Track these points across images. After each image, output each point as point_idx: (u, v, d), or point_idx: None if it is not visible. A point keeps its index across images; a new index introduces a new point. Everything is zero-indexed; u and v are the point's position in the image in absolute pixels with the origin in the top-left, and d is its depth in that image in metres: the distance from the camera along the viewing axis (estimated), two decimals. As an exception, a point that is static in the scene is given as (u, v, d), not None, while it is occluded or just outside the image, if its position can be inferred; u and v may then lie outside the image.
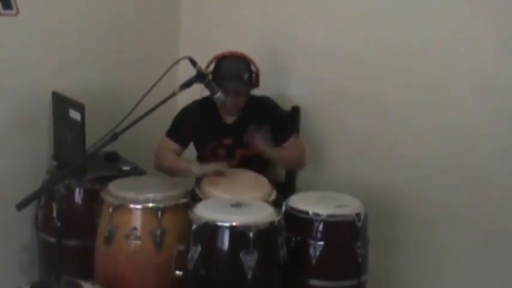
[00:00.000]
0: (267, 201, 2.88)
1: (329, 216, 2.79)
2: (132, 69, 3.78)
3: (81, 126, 2.97)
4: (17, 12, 3.27)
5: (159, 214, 2.80)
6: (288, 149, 3.28)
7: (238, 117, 3.31)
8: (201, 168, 3.16)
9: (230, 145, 3.29)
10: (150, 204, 2.82)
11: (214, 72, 3.19)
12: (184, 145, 3.33)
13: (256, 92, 3.35)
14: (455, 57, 3.03)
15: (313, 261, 2.77)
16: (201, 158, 3.38)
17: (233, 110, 3.27)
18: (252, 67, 3.25)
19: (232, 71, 3.18)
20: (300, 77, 3.62)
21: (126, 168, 3.33)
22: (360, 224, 2.80)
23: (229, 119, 3.32)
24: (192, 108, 3.31)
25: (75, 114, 3.02)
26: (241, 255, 2.56)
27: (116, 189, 2.89)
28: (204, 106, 3.23)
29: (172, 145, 3.29)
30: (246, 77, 3.20)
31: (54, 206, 3.08)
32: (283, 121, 3.36)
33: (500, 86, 2.91)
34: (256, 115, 3.27)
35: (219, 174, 3.09)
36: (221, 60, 3.20)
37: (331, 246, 2.79)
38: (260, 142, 3.15)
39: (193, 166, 3.20)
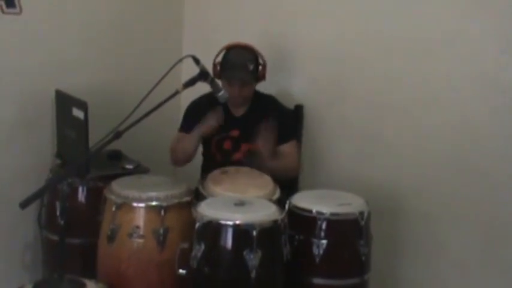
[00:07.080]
0: (270, 199, 2.88)
1: (332, 214, 2.79)
2: (136, 68, 3.78)
3: (84, 124, 2.97)
4: (20, 10, 3.28)
5: (162, 212, 2.80)
6: (283, 158, 3.24)
7: (247, 110, 3.33)
8: (199, 128, 3.20)
9: (236, 138, 3.29)
10: (153, 203, 2.82)
11: (222, 62, 3.24)
12: None
13: (260, 89, 3.36)
14: (456, 57, 3.03)
15: (317, 260, 2.77)
16: (207, 151, 3.39)
17: (239, 101, 3.27)
18: (260, 59, 3.26)
19: (239, 60, 3.21)
20: (303, 75, 3.62)
21: (129, 166, 3.33)
22: (363, 223, 2.80)
23: (238, 112, 3.33)
24: (200, 100, 3.33)
25: (78, 113, 3.02)
26: (244, 253, 2.56)
27: (119, 188, 2.89)
28: (212, 99, 3.23)
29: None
30: (251, 67, 3.22)
31: (58, 204, 3.07)
32: (289, 122, 3.37)
33: (502, 85, 2.91)
34: (264, 110, 3.29)
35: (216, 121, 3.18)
36: (229, 50, 3.25)
37: (335, 244, 2.78)
38: (263, 144, 3.15)
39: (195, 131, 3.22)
